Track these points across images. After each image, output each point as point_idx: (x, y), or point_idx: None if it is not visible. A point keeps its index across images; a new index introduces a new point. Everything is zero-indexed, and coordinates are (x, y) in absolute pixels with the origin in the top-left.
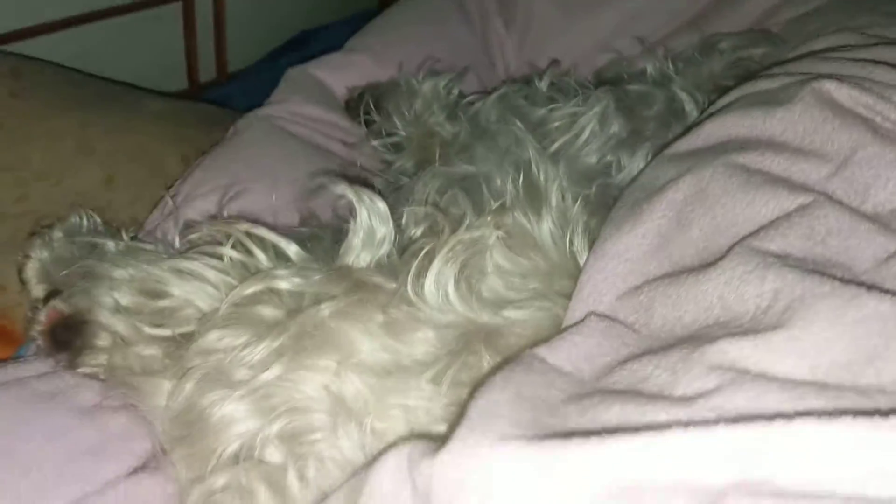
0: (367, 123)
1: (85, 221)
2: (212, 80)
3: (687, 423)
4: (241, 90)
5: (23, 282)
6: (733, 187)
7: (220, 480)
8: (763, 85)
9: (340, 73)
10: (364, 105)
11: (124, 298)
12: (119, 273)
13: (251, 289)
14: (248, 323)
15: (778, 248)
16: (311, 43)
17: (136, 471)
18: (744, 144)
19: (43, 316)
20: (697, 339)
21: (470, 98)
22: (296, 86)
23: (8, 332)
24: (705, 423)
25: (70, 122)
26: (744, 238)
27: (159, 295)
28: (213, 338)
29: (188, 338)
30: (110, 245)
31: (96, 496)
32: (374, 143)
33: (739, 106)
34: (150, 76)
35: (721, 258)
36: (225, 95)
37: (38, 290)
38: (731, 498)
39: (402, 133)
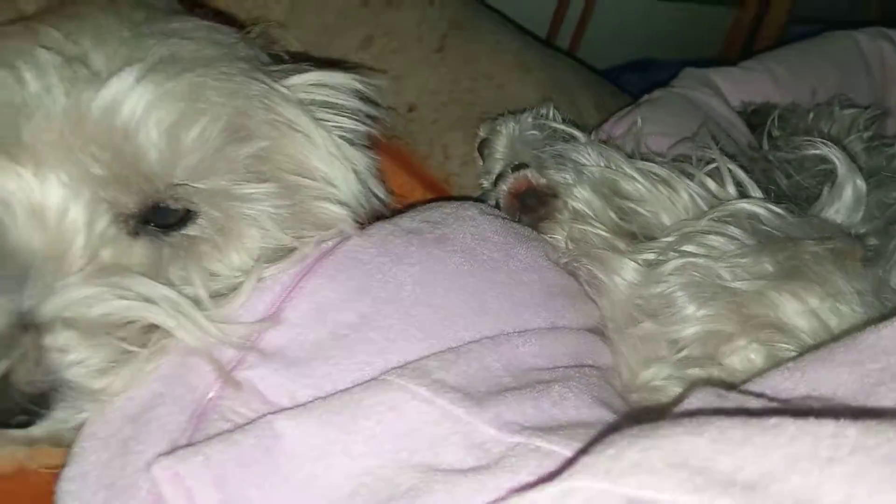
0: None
1: (552, 112)
2: None
3: None
4: None
5: (482, 152)
6: None
7: (666, 370)
8: None
9: (738, 84)
10: (770, 120)
11: (593, 186)
12: (591, 161)
13: (746, 206)
14: (729, 236)
15: None
16: (651, 70)
17: (588, 329)
18: None
19: (511, 180)
20: None
21: (887, 140)
22: (697, 81)
23: (446, 192)
24: None
25: (512, 41)
26: None
27: (624, 193)
28: (696, 240)
29: (648, 238)
30: (581, 136)
31: (562, 331)
32: (773, 155)
33: None
34: None
35: None
36: None
37: (498, 160)
38: None
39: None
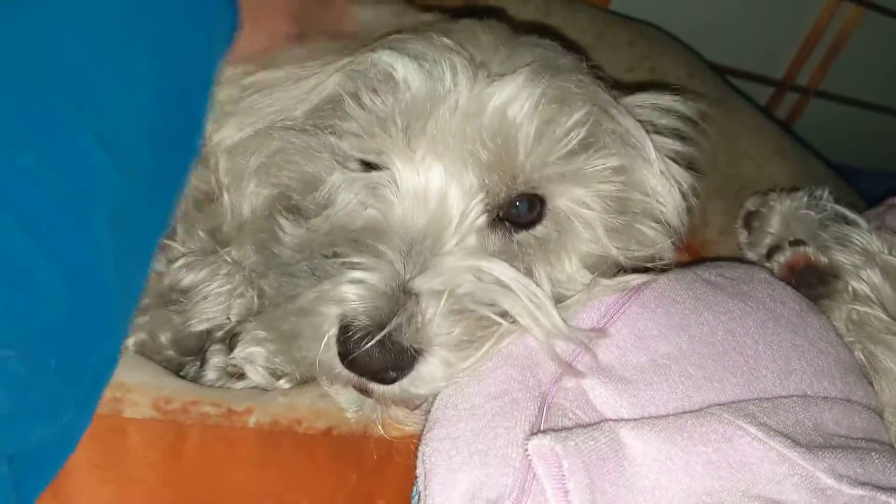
0: None
1: (825, 195)
2: None
3: None
4: None
5: (749, 224)
6: None
7: None
8: None
9: None
10: None
11: (883, 272)
12: (876, 247)
13: None
14: None
15: None
16: (849, 176)
17: (871, 409)
18: None
19: (789, 254)
20: None
21: None
22: None
23: (701, 257)
24: None
25: (770, 126)
26: None
27: None
28: None
29: None
30: (863, 222)
31: (855, 405)
32: None
33: None
34: None
35: None
36: None
37: (769, 234)
38: None
39: None
